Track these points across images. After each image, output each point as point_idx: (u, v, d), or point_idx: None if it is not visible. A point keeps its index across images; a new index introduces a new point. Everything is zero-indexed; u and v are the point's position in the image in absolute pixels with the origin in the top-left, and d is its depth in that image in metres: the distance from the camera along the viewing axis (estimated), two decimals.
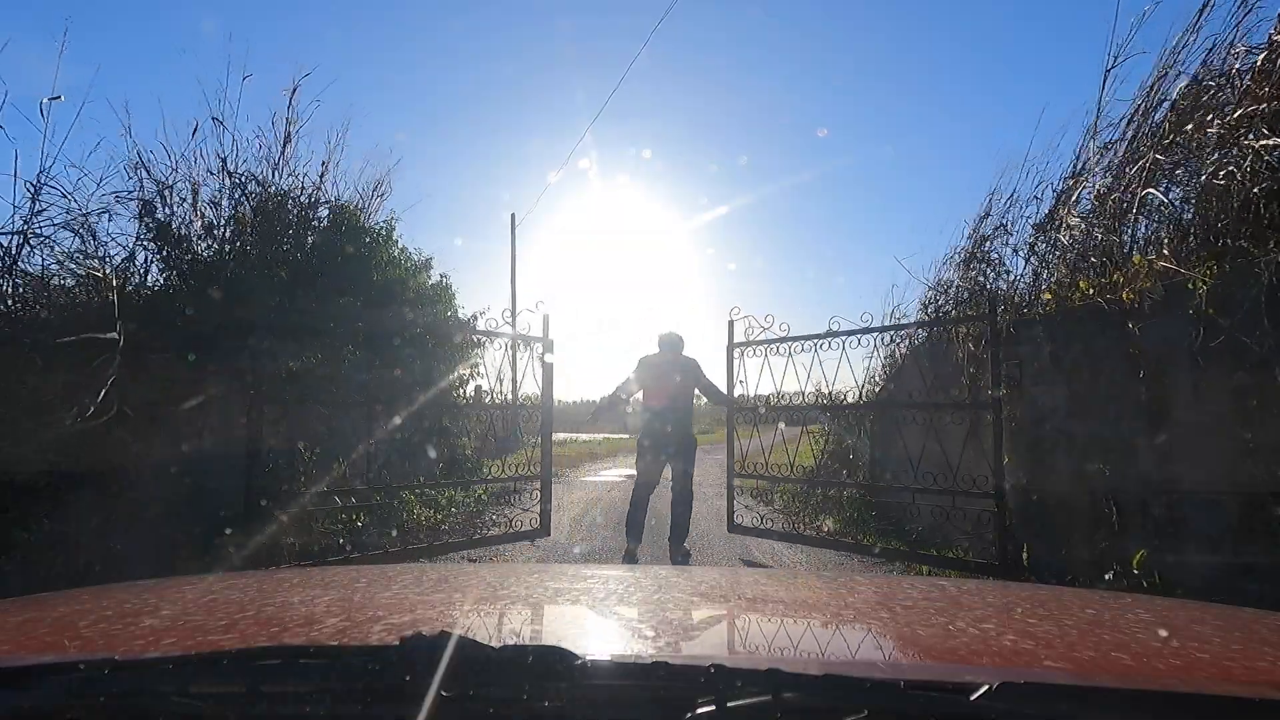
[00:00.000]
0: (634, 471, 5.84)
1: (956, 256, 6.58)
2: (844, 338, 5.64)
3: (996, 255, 6.12)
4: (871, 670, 0.79)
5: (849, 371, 14.03)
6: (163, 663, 0.64)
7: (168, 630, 0.94)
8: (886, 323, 5.78)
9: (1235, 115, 3.80)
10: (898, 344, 6.69)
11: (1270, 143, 3.54)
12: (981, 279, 6.19)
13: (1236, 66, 4.12)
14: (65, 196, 4.70)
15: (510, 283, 19.05)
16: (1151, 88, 4.78)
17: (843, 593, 1.26)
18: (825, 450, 8.11)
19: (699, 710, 0.55)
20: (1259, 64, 3.91)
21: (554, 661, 0.58)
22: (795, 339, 5.90)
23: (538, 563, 5.23)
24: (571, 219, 51.98)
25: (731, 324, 6.25)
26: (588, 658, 0.59)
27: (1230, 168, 3.65)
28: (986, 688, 0.55)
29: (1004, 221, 6.02)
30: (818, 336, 5.75)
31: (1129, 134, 4.90)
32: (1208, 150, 3.97)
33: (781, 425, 6.52)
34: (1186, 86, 4.47)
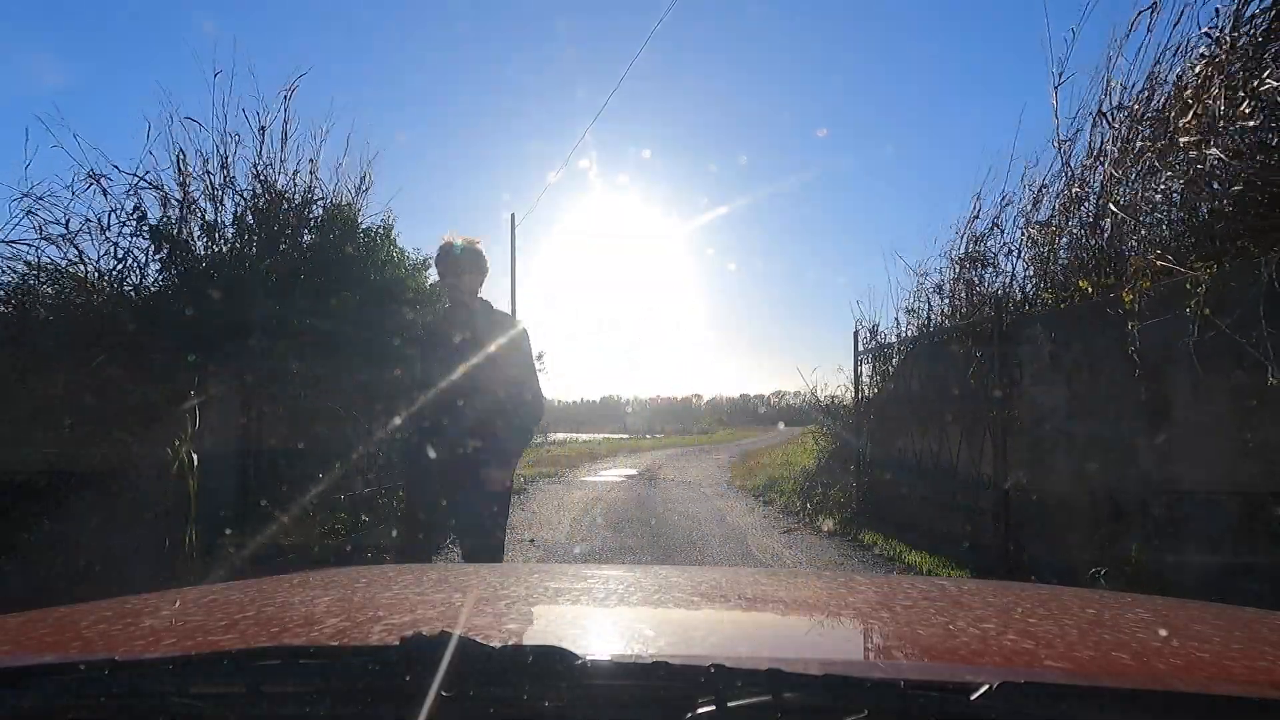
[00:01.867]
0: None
1: (947, 258, 6.61)
2: (913, 344, 6.43)
3: (991, 255, 6.14)
4: (872, 670, 0.79)
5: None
6: (163, 663, 0.64)
7: (168, 630, 0.94)
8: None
9: (1177, 126, 3.82)
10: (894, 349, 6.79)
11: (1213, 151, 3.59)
12: (976, 279, 6.19)
13: (1174, 77, 4.18)
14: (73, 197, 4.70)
15: (510, 283, 19.06)
16: (1087, 97, 4.94)
17: (843, 593, 1.26)
18: (826, 450, 8.14)
19: (699, 710, 0.55)
20: (1197, 70, 3.91)
21: (554, 661, 0.58)
22: (890, 345, 6.71)
23: (538, 563, 5.23)
24: (572, 219, 52.17)
25: (856, 334, 7.18)
26: (588, 658, 0.59)
27: (1170, 178, 3.71)
28: (987, 688, 0.55)
29: (996, 221, 6.04)
30: (908, 341, 6.56)
31: (1078, 147, 5.05)
32: (1142, 168, 4.07)
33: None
34: (1122, 99, 4.59)
